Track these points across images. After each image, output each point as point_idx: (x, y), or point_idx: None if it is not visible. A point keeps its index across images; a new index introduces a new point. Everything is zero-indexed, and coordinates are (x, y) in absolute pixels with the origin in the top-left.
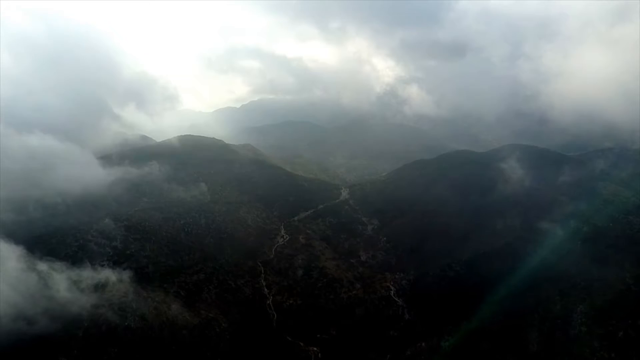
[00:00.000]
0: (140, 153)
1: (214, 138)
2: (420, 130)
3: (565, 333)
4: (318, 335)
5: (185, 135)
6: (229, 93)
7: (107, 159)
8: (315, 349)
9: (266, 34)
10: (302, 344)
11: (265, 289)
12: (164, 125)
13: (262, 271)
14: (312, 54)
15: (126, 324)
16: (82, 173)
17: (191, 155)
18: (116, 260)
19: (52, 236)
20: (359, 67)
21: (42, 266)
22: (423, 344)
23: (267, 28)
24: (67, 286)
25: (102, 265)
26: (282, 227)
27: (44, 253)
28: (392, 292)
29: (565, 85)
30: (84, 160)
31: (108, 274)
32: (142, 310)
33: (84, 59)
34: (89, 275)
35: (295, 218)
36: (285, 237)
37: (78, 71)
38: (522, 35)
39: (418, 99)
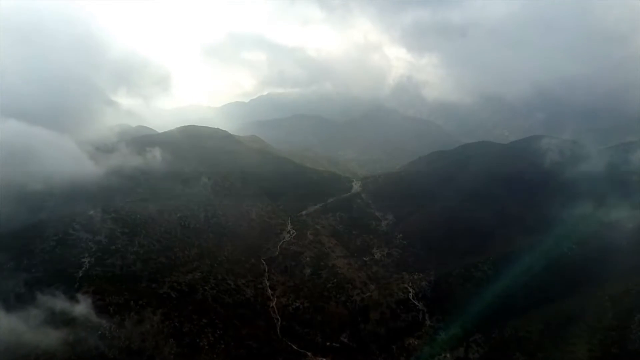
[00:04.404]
0: (138, 143)
1: (217, 128)
2: (434, 124)
3: (622, 348)
4: (328, 343)
5: (187, 126)
6: (238, 87)
7: (101, 147)
8: (324, 359)
9: (267, 20)
10: (309, 353)
11: (269, 290)
12: (169, 119)
13: (266, 270)
14: (318, 41)
15: (99, 332)
16: (71, 162)
17: (192, 146)
18: (99, 257)
19: (30, 229)
20: (369, 54)
21: None
22: (448, 355)
23: (267, 12)
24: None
25: (83, 260)
26: (288, 221)
27: (17, 249)
28: (410, 294)
29: None
30: (72, 149)
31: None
32: (121, 315)
33: (68, 38)
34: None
35: (303, 212)
36: (291, 232)
37: (63, 52)
38: None
39: (434, 87)
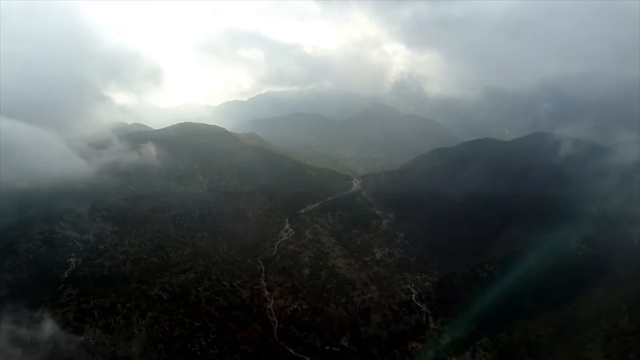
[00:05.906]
0: (132, 139)
1: (214, 125)
2: (434, 122)
3: None
4: (327, 347)
5: (183, 123)
6: (236, 86)
7: (94, 144)
8: None
9: (263, 15)
10: (308, 358)
11: (266, 291)
12: (167, 118)
13: (263, 270)
14: (315, 38)
15: (83, 338)
16: (61, 159)
17: (188, 142)
18: (87, 257)
19: (14, 229)
20: (368, 51)
21: None
22: None
23: (263, 7)
24: None
25: (69, 260)
26: (286, 220)
27: (1, 249)
28: (413, 295)
29: None
30: (61, 145)
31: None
32: (106, 318)
33: (58, 32)
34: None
35: (302, 211)
36: (290, 231)
37: (53, 46)
38: None
39: (435, 83)
